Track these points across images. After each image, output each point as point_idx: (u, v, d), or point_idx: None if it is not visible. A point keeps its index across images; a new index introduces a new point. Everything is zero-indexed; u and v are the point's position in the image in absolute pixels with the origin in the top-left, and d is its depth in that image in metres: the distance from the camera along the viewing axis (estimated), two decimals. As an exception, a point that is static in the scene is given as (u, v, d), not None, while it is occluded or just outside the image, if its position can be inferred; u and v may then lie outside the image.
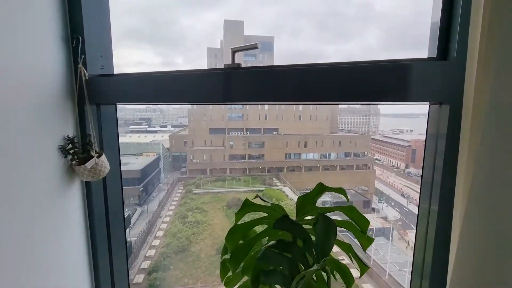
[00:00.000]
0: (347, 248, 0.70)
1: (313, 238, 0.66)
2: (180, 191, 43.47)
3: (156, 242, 24.26)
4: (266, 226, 0.75)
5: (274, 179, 54.48)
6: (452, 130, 0.69)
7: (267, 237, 0.75)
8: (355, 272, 0.75)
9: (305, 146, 60.90)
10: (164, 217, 30.06)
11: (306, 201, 0.68)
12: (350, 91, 0.72)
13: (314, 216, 0.70)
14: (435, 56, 0.69)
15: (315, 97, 0.75)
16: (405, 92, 0.70)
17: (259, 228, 0.78)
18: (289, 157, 60.96)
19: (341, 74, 0.71)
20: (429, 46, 0.72)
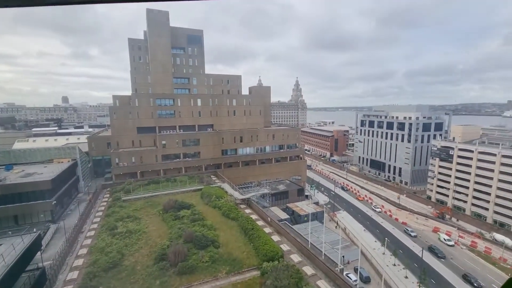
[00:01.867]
0: None
1: None
2: (106, 199, 38.61)
3: (79, 261, 20.97)
4: None
5: (212, 176, 53.34)
6: None
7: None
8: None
9: (241, 141, 61.51)
10: (87, 231, 26.29)
11: None
12: None
13: None
14: None
15: None
16: None
17: None
18: (225, 153, 60.54)
19: None
20: None
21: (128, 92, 58.75)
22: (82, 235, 26.86)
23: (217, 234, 25.22)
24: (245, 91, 67.02)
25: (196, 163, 51.06)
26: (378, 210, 54.02)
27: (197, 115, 54.06)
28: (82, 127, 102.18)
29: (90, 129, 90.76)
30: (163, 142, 48.65)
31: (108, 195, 38.64)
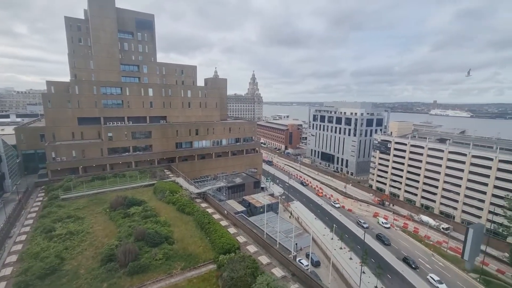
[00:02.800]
0: None
1: None
2: (41, 199, 34.33)
3: (6, 271, 18.28)
4: None
5: (165, 170, 51.13)
6: None
7: None
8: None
9: (197, 134, 60.04)
10: (17, 236, 23.01)
11: None
12: None
13: None
14: None
15: None
16: None
17: None
18: (180, 146, 58.53)
19: None
20: None
21: (66, 78, 52.11)
22: (10, 240, 23.36)
23: (172, 230, 24.33)
24: (200, 83, 65.03)
25: (148, 157, 48.09)
26: (337, 206, 55.87)
27: (149, 106, 50.62)
28: (7, 116, 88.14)
29: (18, 119, 78.73)
30: (110, 134, 44.56)
31: (43, 194, 34.15)
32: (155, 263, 19.72)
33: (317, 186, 67.83)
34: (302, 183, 69.68)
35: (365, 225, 46.68)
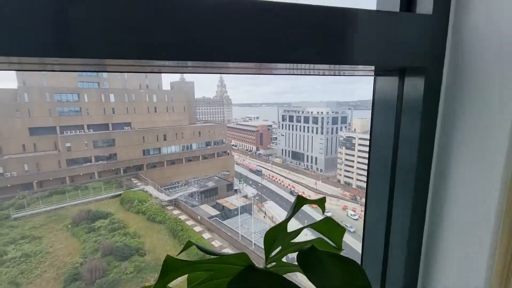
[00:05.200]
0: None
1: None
2: (-12, 220, 30.57)
3: None
4: None
5: (133, 179, 48.87)
6: (426, 107, 0.53)
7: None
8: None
9: (165, 139, 58.16)
10: (-42, 264, 20.31)
11: (279, 231, 0.44)
12: (312, 47, 0.44)
13: (280, 247, 0.46)
14: (397, 9, 0.55)
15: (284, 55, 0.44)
16: (356, 52, 0.47)
17: None
18: (148, 152, 56.31)
19: (310, 16, 0.43)
20: None
21: (13, 85, 47.48)
22: (-49, 270, 20.56)
23: (142, 242, 23.32)
24: (166, 87, 63.17)
25: (113, 166, 45.44)
26: (330, 214, 56.87)
27: (111, 112, 47.93)
28: None
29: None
30: (68, 144, 41.34)
31: (-10, 215, 30.63)
32: (125, 277, 18.80)
33: (289, 184, 69.50)
34: (291, 193, 71.13)
35: (351, 230, 46.44)
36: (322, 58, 0.44)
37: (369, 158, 0.68)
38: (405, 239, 0.60)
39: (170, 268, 0.42)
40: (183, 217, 29.23)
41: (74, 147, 47.76)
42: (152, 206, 31.28)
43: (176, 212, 31.49)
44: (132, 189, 41.01)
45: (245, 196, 62.51)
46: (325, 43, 0.44)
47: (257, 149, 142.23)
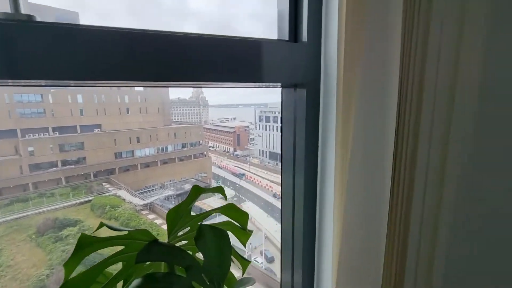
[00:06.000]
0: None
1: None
2: None
3: None
4: (125, 263, 0.52)
5: (104, 184, 46.93)
6: (311, 112, 0.70)
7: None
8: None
9: (138, 141, 56.51)
10: None
11: (181, 212, 0.51)
12: (210, 69, 0.57)
13: (189, 228, 0.54)
14: (287, 38, 0.70)
15: (168, 74, 0.54)
16: (262, 73, 0.63)
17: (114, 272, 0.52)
18: (120, 155, 54.37)
19: (200, 48, 0.55)
20: (278, 31, 0.72)
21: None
22: None
23: (115, 249, 22.38)
24: (139, 87, 61.10)
25: (82, 171, 42.88)
26: None
27: (79, 113, 45.31)
28: None
29: None
30: (30, 148, 38.40)
31: None
32: (97, 286, 17.92)
33: (267, 184, 70.10)
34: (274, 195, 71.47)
35: None
36: (241, 77, 0.61)
37: (281, 156, 0.81)
38: (300, 231, 0.77)
39: (84, 244, 0.48)
40: (158, 221, 28.29)
41: (37, 151, 46.37)
42: (126, 211, 30.00)
43: (151, 216, 30.44)
44: (104, 194, 39.13)
45: (223, 198, 64.45)
46: (242, 66, 0.60)
47: (235, 150, 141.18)
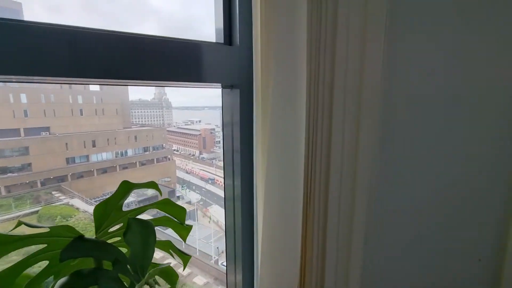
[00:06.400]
0: (167, 246, 0.60)
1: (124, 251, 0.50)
2: None
3: None
4: (48, 261, 0.48)
5: (53, 192, 42.63)
6: (245, 113, 0.73)
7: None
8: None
9: (94, 145, 52.47)
10: None
11: (110, 208, 0.49)
12: (142, 68, 0.58)
13: (122, 224, 0.52)
14: (222, 41, 0.73)
15: (98, 72, 0.53)
16: (200, 73, 0.65)
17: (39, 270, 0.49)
18: (73, 161, 49.89)
19: (128, 46, 0.56)
20: (215, 34, 0.75)
21: None
22: None
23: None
24: (94, 87, 56.79)
25: (26, 179, 38.09)
26: None
27: (22, 115, 40.54)
28: None
29: None
30: (-39, 154, 33.41)
31: None
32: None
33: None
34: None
35: None
36: (182, 77, 0.63)
37: (223, 158, 0.86)
38: (240, 233, 0.82)
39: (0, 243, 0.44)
40: (118, 230, 26.60)
41: (-30, 157, 40.53)
42: (80, 221, 27.52)
43: (110, 225, 28.47)
44: (53, 204, 35.54)
45: (189, 202, 62.64)
46: (182, 66, 0.62)
47: (201, 153, 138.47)
